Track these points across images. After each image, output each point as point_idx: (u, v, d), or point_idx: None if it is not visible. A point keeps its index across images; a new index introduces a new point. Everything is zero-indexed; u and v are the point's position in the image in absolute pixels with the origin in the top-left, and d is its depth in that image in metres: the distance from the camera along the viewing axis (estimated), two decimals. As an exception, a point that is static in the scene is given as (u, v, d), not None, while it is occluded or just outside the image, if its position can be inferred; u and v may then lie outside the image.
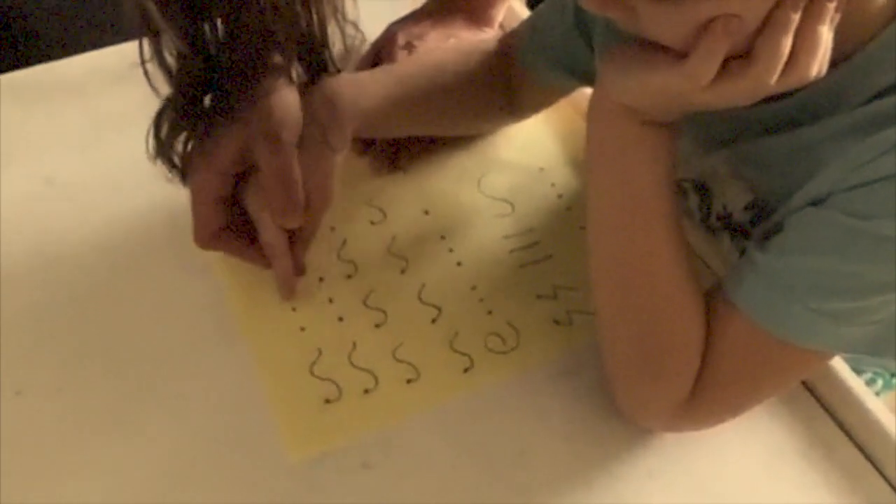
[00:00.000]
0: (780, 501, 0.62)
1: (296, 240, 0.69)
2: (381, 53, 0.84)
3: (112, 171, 0.81)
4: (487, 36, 0.91)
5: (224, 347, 0.68)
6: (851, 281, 0.53)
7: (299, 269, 0.70)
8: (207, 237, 0.68)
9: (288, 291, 0.70)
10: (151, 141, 0.65)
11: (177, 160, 0.66)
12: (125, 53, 0.91)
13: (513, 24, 0.94)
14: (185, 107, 0.64)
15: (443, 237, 0.76)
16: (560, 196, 0.80)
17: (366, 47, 0.78)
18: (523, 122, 0.86)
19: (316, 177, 0.66)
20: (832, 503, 0.61)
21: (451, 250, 0.75)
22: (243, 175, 0.67)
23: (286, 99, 0.65)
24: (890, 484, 0.62)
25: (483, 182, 0.81)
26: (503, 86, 0.79)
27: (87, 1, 1.04)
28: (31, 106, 0.87)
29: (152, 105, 0.84)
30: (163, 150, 0.65)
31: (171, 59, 0.61)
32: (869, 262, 0.52)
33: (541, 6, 0.78)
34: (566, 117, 0.87)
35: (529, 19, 0.79)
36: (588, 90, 0.83)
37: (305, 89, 0.67)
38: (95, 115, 0.87)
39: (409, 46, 0.86)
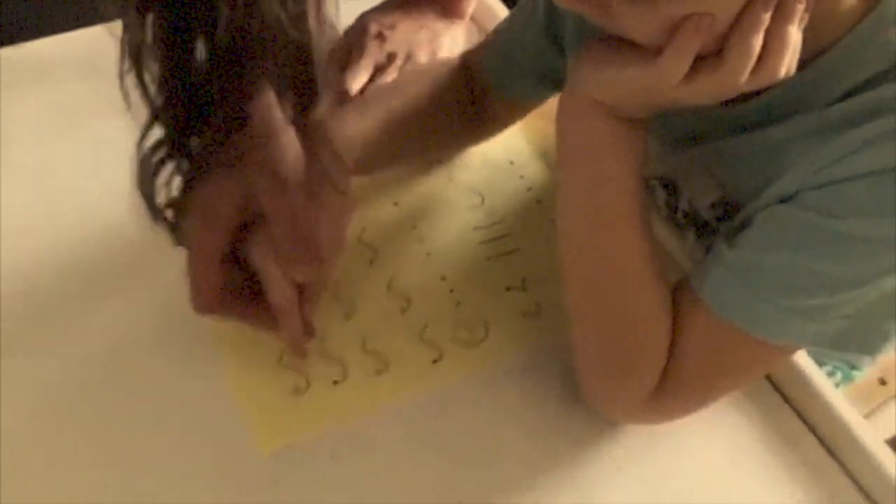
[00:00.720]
0: (744, 492, 0.63)
1: (304, 296, 0.62)
2: (352, 43, 0.84)
3: (80, 160, 0.80)
4: (458, 28, 0.91)
5: (193, 339, 0.68)
6: (818, 278, 0.54)
7: (310, 330, 0.64)
8: (209, 302, 0.61)
9: (300, 354, 0.64)
10: (134, 185, 0.58)
11: (165, 211, 0.60)
12: (98, 36, 0.91)
13: (484, 16, 0.94)
14: (173, 140, 0.58)
15: (413, 227, 0.76)
16: (529, 189, 0.81)
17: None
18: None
19: (326, 221, 0.61)
20: (794, 494, 0.62)
21: (420, 241, 0.75)
22: (243, 227, 0.61)
23: (284, 139, 0.59)
24: (850, 476, 0.63)
25: (454, 174, 0.81)
26: (469, 106, 0.77)
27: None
28: (4, 89, 0.85)
29: (129, 89, 0.83)
30: (145, 191, 0.59)
31: (152, 88, 0.55)
32: (836, 260, 0.53)
33: (504, 20, 0.78)
34: (536, 114, 0.87)
35: (494, 35, 0.78)
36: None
37: (300, 128, 0.61)
38: (63, 102, 0.85)
39: (381, 36, 0.86)
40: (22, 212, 0.76)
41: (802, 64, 0.51)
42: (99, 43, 0.90)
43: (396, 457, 0.63)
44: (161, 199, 0.59)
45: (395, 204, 0.78)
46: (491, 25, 0.92)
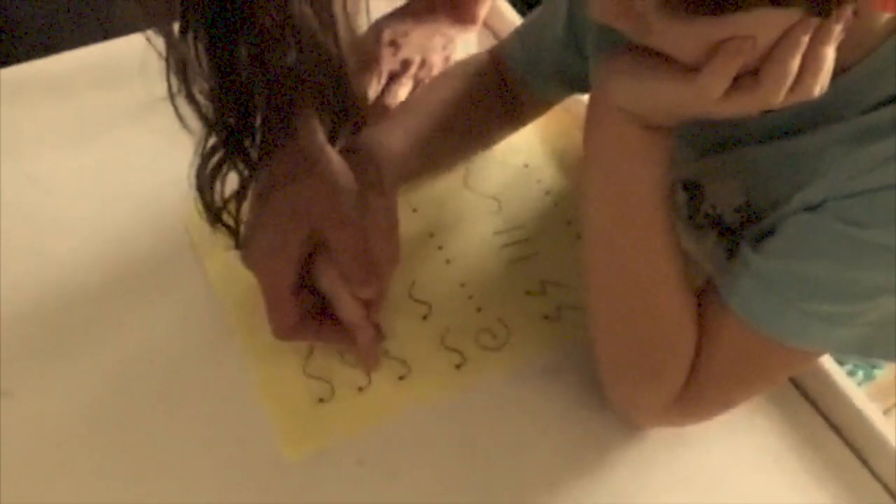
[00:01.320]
0: (768, 494, 0.63)
1: (370, 307, 0.66)
2: (367, 50, 0.84)
3: (98, 170, 0.81)
4: (470, 34, 0.91)
5: (218, 346, 0.68)
6: (844, 286, 0.54)
7: (381, 336, 0.68)
8: (288, 330, 0.65)
9: (374, 363, 0.67)
10: (195, 192, 0.62)
11: (223, 214, 0.64)
12: (109, 51, 0.92)
13: (496, 21, 0.95)
14: (228, 143, 0.61)
15: (431, 235, 0.77)
16: (547, 193, 0.81)
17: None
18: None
19: (381, 239, 0.65)
20: (819, 495, 0.63)
21: (440, 248, 0.76)
22: (309, 256, 0.64)
23: (336, 167, 0.64)
24: (875, 475, 0.64)
25: (469, 180, 0.81)
26: (502, 99, 0.79)
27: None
28: (14, 104, 0.86)
29: (135, 103, 0.84)
30: (212, 206, 0.63)
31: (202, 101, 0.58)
32: (861, 268, 0.53)
33: (528, 18, 0.79)
34: (550, 115, 0.88)
35: (518, 33, 0.79)
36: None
37: (345, 149, 0.65)
38: (79, 114, 0.86)
39: (394, 44, 0.86)
40: (39, 223, 0.77)
41: (834, 74, 0.51)
42: (110, 57, 0.91)
43: (421, 461, 0.63)
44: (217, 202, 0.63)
45: (415, 210, 0.78)
46: (503, 30, 0.93)
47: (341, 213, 0.63)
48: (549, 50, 0.74)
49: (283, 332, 0.65)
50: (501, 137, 0.83)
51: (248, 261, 0.64)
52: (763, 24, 0.46)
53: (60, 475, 0.61)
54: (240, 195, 0.64)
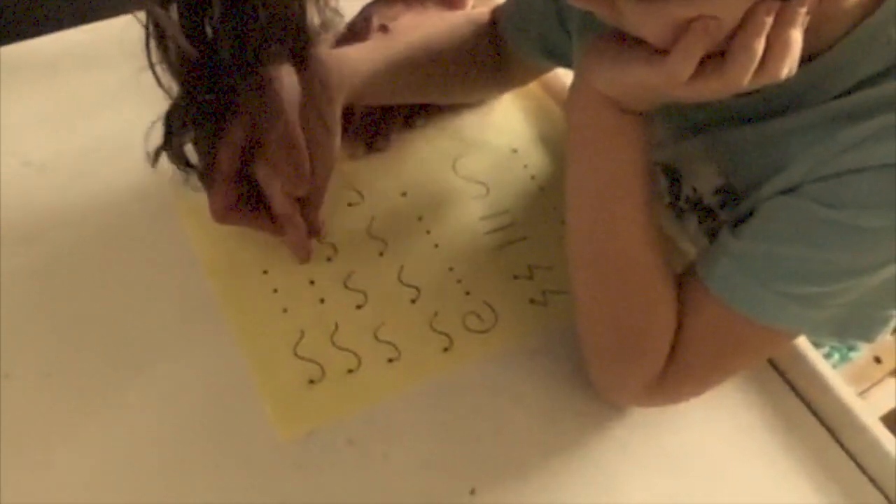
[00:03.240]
0: (746, 470, 0.65)
1: (307, 205, 0.71)
2: (356, 35, 0.85)
3: (88, 152, 0.81)
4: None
5: (211, 328, 0.69)
6: (820, 267, 0.55)
7: (315, 230, 0.73)
8: (223, 211, 0.70)
9: (304, 254, 0.73)
10: (159, 141, 0.66)
11: (186, 155, 0.68)
12: (96, 32, 0.92)
13: (486, 6, 0.95)
14: (194, 106, 0.65)
15: (420, 219, 0.78)
16: (533, 177, 0.82)
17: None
18: (496, 104, 0.89)
19: (317, 144, 0.68)
20: (794, 471, 0.65)
21: (428, 232, 0.77)
22: (251, 151, 0.69)
23: (285, 79, 0.67)
24: (848, 453, 0.66)
25: (458, 164, 0.82)
26: (494, 56, 0.81)
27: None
28: (3, 86, 0.86)
29: (123, 84, 0.84)
30: (173, 150, 0.67)
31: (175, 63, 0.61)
32: (838, 250, 0.54)
33: None
34: (537, 99, 0.89)
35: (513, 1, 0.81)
36: (560, 71, 0.86)
37: (299, 66, 0.68)
38: (68, 96, 0.86)
39: (384, 28, 0.87)
40: (29, 205, 0.77)
41: (808, 58, 0.53)
42: (99, 39, 0.91)
43: (411, 441, 0.65)
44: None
45: (403, 195, 0.79)
46: (491, 16, 0.93)
47: (278, 109, 0.66)
48: (537, 19, 0.76)
49: (219, 213, 0.70)
50: (482, 92, 0.85)
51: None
52: (726, 5, 0.48)
53: (58, 454, 0.62)
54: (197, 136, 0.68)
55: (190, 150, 0.68)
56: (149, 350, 0.68)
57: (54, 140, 0.82)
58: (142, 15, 0.59)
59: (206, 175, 0.69)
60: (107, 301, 0.71)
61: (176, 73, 0.62)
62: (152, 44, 0.60)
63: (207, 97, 0.64)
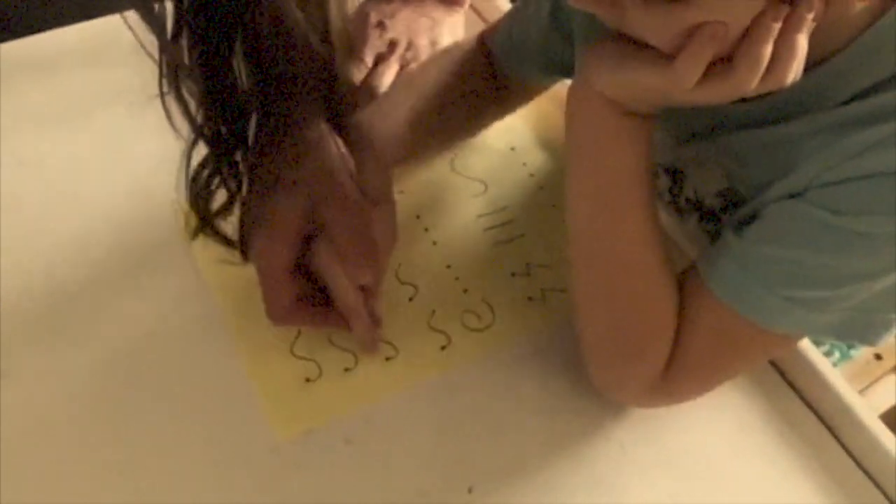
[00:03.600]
0: (746, 469, 0.65)
1: (367, 292, 0.66)
2: (353, 33, 0.85)
3: (86, 151, 0.81)
4: (457, 16, 0.91)
5: (207, 328, 0.69)
6: (823, 272, 0.55)
7: (378, 321, 0.67)
8: (283, 313, 0.65)
9: (373, 347, 0.68)
10: (187, 200, 0.63)
11: (215, 222, 0.65)
12: (90, 31, 0.92)
13: (483, 3, 0.95)
14: (219, 159, 0.62)
15: (418, 216, 0.78)
16: (532, 175, 0.82)
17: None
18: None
19: (379, 220, 0.65)
20: (794, 471, 0.64)
21: (426, 230, 0.77)
22: (308, 240, 0.64)
23: (334, 151, 0.64)
24: (848, 451, 0.65)
25: (456, 162, 0.82)
26: (490, 84, 0.79)
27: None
28: (1, 84, 0.86)
29: (122, 83, 0.84)
30: (204, 218, 0.64)
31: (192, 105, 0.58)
32: (841, 255, 0.54)
33: (514, 6, 0.79)
34: (537, 99, 0.89)
35: (506, 19, 0.79)
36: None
37: (342, 134, 0.65)
38: (67, 95, 0.86)
39: (381, 25, 0.87)
40: (27, 204, 0.77)
41: (815, 63, 0.52)
42: (99, 35, 0.91)
43: (408, 440, 0.64)
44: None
45: (401, 192, 0.79)
46: (490, 13, 0.94)
47: (340, 194, 0.63)
48: (534, 35, 0.74)
49: (278, 314, 0.65)
50: (491, 122, 0.83)
51: (251, 248, 0.64)
52: (733, 10, 0.47)
53: (57, 455, 0.62)
54: (230, 205, 0.64)
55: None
56: (146, 349, 0.68)
57: (52, 139, 0.82)
58: (133, 21, 0.58)
59: (245, 248, 0.65)
60: (105, 300, 0.71)
61: (193, 123, 0.58)
62: (166, 80, 0.57)
63: (236, 154, 0.61)
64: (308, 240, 0.64)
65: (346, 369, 0.67)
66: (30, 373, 0.66)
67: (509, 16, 0.79)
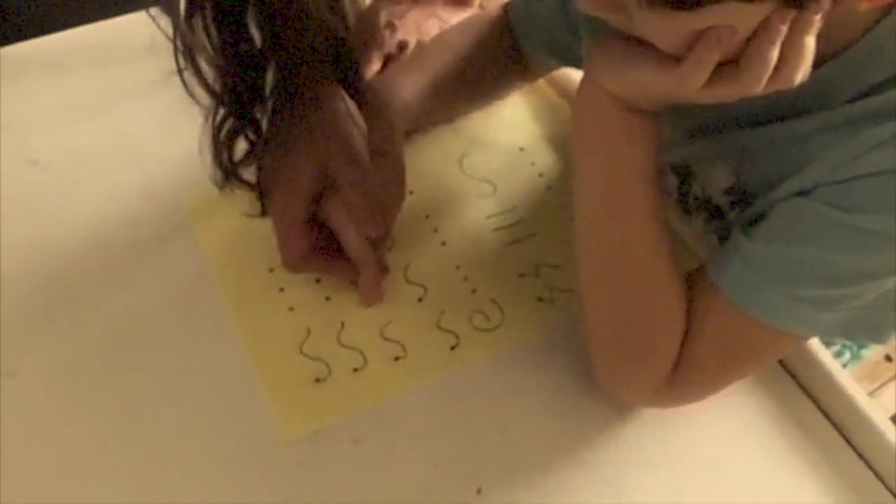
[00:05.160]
0: (755, 471, 0.65)
1: (376, 244, 0.70)
2: (363, 33, 0.85)
3: (97, 151, 0.81)
4: (466, 15, 0.91)
5: (216, 327, 0.69)
6: (833, 270, 0.55)
7: (385, 269, 0.71)
8: (297, 260, 0.69)
9: (377, 296, 0.71)
10: (211, 160, 0.67)
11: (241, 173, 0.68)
12: (102, 32, 0.92)
13: (492, 4, 0.95)
14: (242, 119, 0.65)
15: (427, 216, 0.78)
16: (541, 175, 0.82)
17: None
18: (503, 102, 0.88)
19: (387, 180, 0.68)
20: (804, 472, 0.64)
21: (435, 230, 0.77)
22: (321, 194, 0.68)
23: (346, 112, 0.67)
24: (859, 454, 0.65)
25: (465, 162, 0.82)
26: (509, 53, 0.80)
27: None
28: (12, 84, 0.86)
29: (129, 83, 0.85)
30: (228, 169, 0.67)
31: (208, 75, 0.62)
32: (851, 253, 0.54)
33: None
34: (544, 96, 0.89)
35: None
36: (568, 69, 0.85)
37: (356, 97, 0.68)
38: (78, 94, 0.86)
39: (391, 25, 0.87)
40: (37, 203, 0.77)
41: (823, 61, 0.52)
42: (105, 38, 0.92)
43: (417, 440, 0.64)
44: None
45: (411, 193, 0.78)
46: (499, 13, 0.93)
47: (351, 152, 0.66)
48: (543, 20, 0.76)
49: (293, 262, 0.69)
50: (511, 89, 0.86)
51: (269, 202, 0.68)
52: (741, 15, 0.47)
53: (61, 454, 0.62)
54: (250, 157, 0.68)
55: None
56: (154, 349, 0.68)
57: (60, 139, 0.82)
58: (154, 13, 0.59)
59: (263, 199, 0.69)
60: (112, 299, 0.71)
61: (210, 88, 0.62)
62: (181, 55, 0.60)
63: (255, 111, 0.65)
64: (321, 194, 0.68)
65: (355, 369, 0.67)
66: (35, 372, 0.66)
67: None
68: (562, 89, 0.89)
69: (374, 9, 0.87)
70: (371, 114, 0.69)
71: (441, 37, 0.82)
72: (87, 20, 0.93)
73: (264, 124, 0.68)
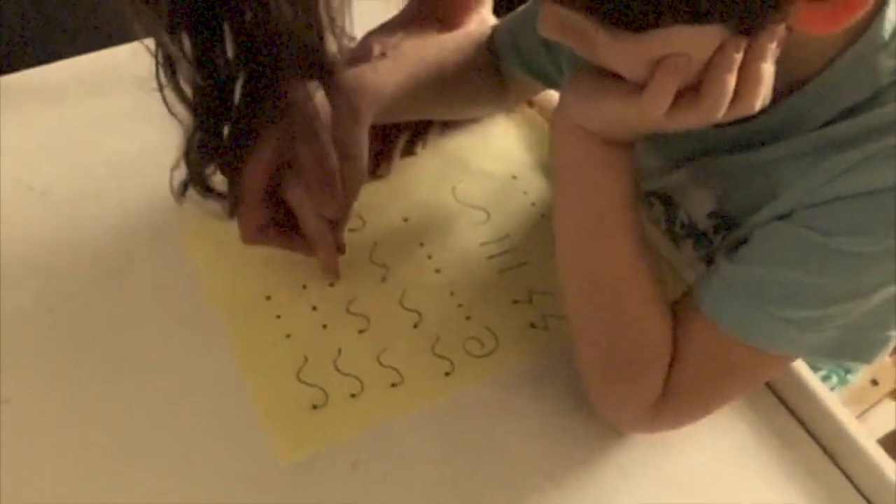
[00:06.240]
0: (746, 496, 0.66)
1: (333, 224, 0.72)
2: (357, 63, 0.86)
3: (94, 178, 0.82)
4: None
5: (213, 354, 0.70)
6: (813, 292, 0.56)
7: (342, 248, 0.74)
8: (253, 233, 0.71)
9: (333, 273, 0.74)
10: (180, 171, 0.69)
11: (210, 183, 0.71)
12: (99, 61, 0.94)
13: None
14: (210, 133, 0.67)
15: (421, 244, 0.79)
16: (533, 204, 0.83)
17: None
18: (495, 130, 0.90)
19: (346, 165, 0.69)
20: (793, 495, 0.65)
21: (429, 257, 0.78)
22: (280, 172, 0.70)
23: (311, 104, 0.68)
24: (847, 477, 0.66)
25: (458, 190, 0.84)
26: (493, 72, 0.82)
27: (60, 8, 1.04)
28: (10, 113, 0.87)
29: (126, 111, 0.86)
30: (198, 182, 0.70)
31: (187, 91, 0.63)
32: (832, 275, 0.55)
33: (521, 8, 0.81)
34: (537, 126, 0.90)
35: (510, 19, 0.82)
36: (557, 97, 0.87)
37: (327, 88, 0.69)
38: (74, 122, 0.88)
39: (384, 56, 0.88)
40: (36, 231, 0.78)
41: (792, 89, 0.54)
42: (102, 67, 0.93)
43: (414, 464, 0.65)
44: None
45: (405, 220, 0.80)
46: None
47: (312, 131, 0.68)
48: (527, 44, 0.77)
49: (247, 233, 0.71)
50: (486, 110, 0.88)
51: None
52: (694, 41, 0.49)
53: (59, 481, 0.63)
54: (221, 165, 0.70)
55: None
56: (151, 376, 0.69)
57: (57, 166, 0.83)
58: (148, 43, 0.61)
59: (234, 204, 0.70)
60: (109, 327, 0.72)
61: (188, 102, 0.63)
62: (162, 71, 0.61)
63: (224, 126, 0.66)
64: (281, 170, 0.69)
65: (352, 395, 0.68)
66: (32, 399, 0.67)
67: (511, 19, 0.82)
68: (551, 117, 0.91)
69: (366, 41, 0.88)
70: (340, 93, 0.69)
71: (420, 44, 0.83)
72: (84, 50, 0.94)
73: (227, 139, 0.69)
